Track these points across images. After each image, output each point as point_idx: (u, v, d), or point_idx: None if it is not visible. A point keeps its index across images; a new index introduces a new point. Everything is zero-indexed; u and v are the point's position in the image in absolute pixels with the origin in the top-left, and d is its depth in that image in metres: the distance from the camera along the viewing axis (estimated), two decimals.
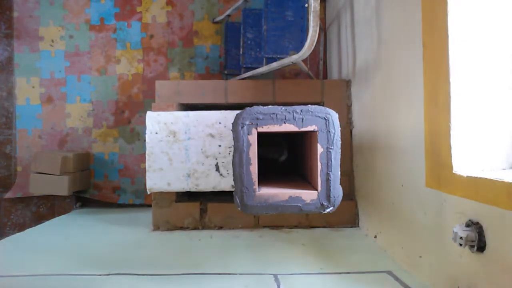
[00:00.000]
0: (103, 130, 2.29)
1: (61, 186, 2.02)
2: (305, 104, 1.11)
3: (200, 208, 1.73)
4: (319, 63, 2.21)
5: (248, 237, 1.58)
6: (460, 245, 0.82)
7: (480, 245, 0.80)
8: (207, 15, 2.31)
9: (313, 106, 1.06)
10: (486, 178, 0.78)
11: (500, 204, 0.74)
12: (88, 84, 2.31)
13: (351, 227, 1.69)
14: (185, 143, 1.45)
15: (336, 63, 2.05)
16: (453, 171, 0.89)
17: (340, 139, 1.05)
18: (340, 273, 1.15)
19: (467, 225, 0.84)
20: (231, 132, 1.07)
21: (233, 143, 1.05)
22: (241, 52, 1.99)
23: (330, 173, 1.04)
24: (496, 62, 0.90)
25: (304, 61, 1.58)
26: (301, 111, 1.04)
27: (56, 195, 2.14)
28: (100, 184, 2.29)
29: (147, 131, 1.46)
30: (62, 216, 2.09)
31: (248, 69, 1.95)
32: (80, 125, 2.30)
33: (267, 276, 1.14)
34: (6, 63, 2.31)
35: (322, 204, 1.05)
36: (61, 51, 2.31)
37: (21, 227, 2.21)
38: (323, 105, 1.24)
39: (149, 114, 1.48)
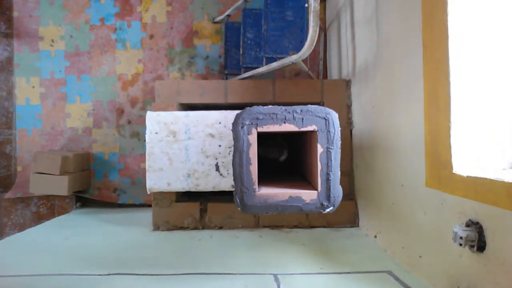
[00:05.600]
0: (103, 130, 2.30)
1: (61, 186, 2.02)
2: (305, 104, 1.11)
3: (200, 208, 1.73)
4: (319, 63, 2.21)
5: (248, 237, 1.58)
6: (460, 245, 0.82)
7: (480, 245, 0.80)
8: (207, 15, 2.31)
9: (313, 106, 1.06)
10: (486, 178, 0.78)
11: (500, 204, 0.74)
12: (88, 84, 2.31)
13: (351, 227, 1.69)
14: (185, 143, 1.45)
15: (336, 63, 2.05)
16: (453, 171, 0.89)
17: (340, 139, 1.05)
18: (340, 273, 1.15)
19: (467, 225, 0.84)
20: (231, 132, 1.07)
21: (233, 143, 1.05)
22: (241, 52, 1.99)
23: (330, 173, 1.04)
24: (496, 61, 0.90)
25: (304, 61, 1.58)
26: (301, 111, 1.04)
27: (56, 195, 2.14)
28: (100, 184, 2.29)
29: (147, 131, 1.46)
30: (62, 216, 2.09)
31: (248, 69, 1.95)
32: (80, 125, 2.30)
33: (267, 276, 1.14)
34: (6, 63, 2.31)
35: (322, 204, 1.05)
36: (61, 51, 2.31)
37: (21, 227, 2.21)
38: (323, 105, 1.24)
39: (149, 114, 1.48)
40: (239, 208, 1.05)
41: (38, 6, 2.31)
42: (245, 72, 1.96)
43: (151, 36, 2.31)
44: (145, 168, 1.47)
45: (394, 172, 1.28)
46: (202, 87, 1.76)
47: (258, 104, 1.09)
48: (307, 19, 1.58)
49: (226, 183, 1.47)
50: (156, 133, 1.46)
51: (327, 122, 1.04)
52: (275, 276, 1.14)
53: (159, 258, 1.34)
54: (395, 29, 1.27)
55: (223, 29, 2.26)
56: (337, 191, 1.05)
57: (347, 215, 1.70)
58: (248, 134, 1.03)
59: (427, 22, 1.02)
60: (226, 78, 2.19)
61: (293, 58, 1.52)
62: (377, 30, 1.41)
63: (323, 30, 2.20)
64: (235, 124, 1.04)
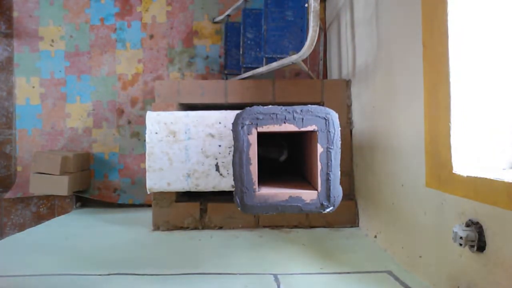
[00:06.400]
0: (103, 130, 2.30)
1: (61, 186, 2.02)
2: (305, 104, 1.11)
3: (200, 208, 1.73)
4: (319, 63, 2.21)
5: (248, 237, 1.58)
6: (460, 245, 0.82)
7: (480, 245, 0.80)
8: (207, 15, 2.31)
9: (313, 106, 1.06)
10: (486, 178, 0.78)
11: (500, 204, 0.74)
12: (88, 84, 2.31)
13: (351, 227, 1.69)
14: (185, 143, 1.45)
15: (336, 63, 2.05)
16: (453, 171, 0.89)
17: (340, 139, 1.05)
18: (340, 273, 1.15)
19: (467, 225, 0.84)
20: (231, 132, 1.07)
21: (233, 143, 1.05)
22: (241, 52, 1.99)
23: (330, 173, 1.04)
24: (496, 61, 0.90)
25: (304, 61, 1.58)
26: (301, 111, 1.04)
27: (56, 195, 2.14)
28: (100, 184, 2.29)
29: (147, 131, 1.46)
30: (62, 216, 2.09)
31: (248, 69, 1.95)
32: (80, 125, 2.30)
33: (267, 276, 1.14)
34: (6, 63, 2.31)
35: (322, 204, 1.05)
36: (61, 51, 2.31)
37: (21, 227, 2.21)
38: (323, 105, 1.24)
39: (149, 114, 1.48)
40: (239, 208, 1.05)
41: (38, 6, 2.31)
42: (245, 72, 1.96)
43: (151, 36, 2.31)
44: (145, 168, 1.47)
45: (394, 172, 1.28)
46: (202, 87, 1.76)
47: (258, 104, 1.09)
48: (307, 19, 1.58)
49: (226, 183, 1.47)
50: (156, 133, 1.46)
51: (327, 122, 1.04)
52: (275, 276, 1.14)
53: (159, 258, 1.34)
54: (395, 29, 1.27)
55: (223, 29, 2.26)
56: (337, 191, 1.05)
57: (347, 215, 1.70)
58: (248, 134, 1.03)
59: (427, 22, 1.02)
60: (226, 78, 2.19)
61: (293, 58, 1.52)
62: (377, 30, 1.41)
63: (323, 30, 2.20)
64: (235, 124, 1.04)
